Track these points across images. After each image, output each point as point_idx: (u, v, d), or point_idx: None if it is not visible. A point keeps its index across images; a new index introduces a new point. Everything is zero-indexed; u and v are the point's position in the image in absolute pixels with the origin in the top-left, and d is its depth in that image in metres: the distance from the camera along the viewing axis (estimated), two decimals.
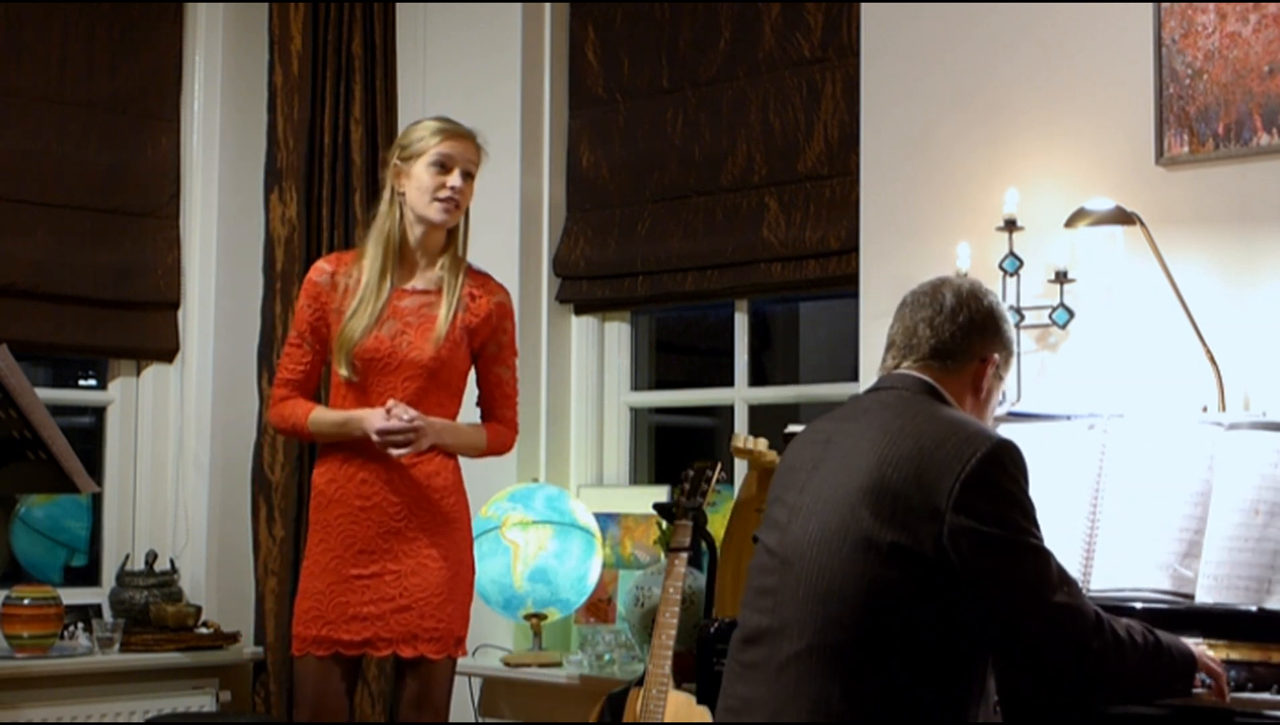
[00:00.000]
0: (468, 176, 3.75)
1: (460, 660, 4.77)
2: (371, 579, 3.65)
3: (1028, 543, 2.45)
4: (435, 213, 3.71)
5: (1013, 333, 2.75)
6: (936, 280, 2.73)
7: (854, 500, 2.46)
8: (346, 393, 3.72)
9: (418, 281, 3.76)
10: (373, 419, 3.61)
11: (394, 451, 3.60)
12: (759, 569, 2.61)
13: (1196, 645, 2.68)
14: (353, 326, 3.67)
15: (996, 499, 2.44)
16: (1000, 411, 3.50)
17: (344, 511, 3.68)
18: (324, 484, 3.73)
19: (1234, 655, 2.83)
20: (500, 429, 3.82)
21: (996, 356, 2.68)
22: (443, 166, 3.71)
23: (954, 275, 2.76)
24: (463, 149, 3.74)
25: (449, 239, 3.80)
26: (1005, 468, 2.46)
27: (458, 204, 3.73)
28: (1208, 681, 2.66)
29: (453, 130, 3.76)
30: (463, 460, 3.81)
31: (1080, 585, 3.03)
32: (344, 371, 3.69)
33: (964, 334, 2.65)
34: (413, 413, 3.61)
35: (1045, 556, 2.46)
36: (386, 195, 3.78)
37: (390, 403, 3.62)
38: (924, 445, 2.46)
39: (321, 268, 3.81)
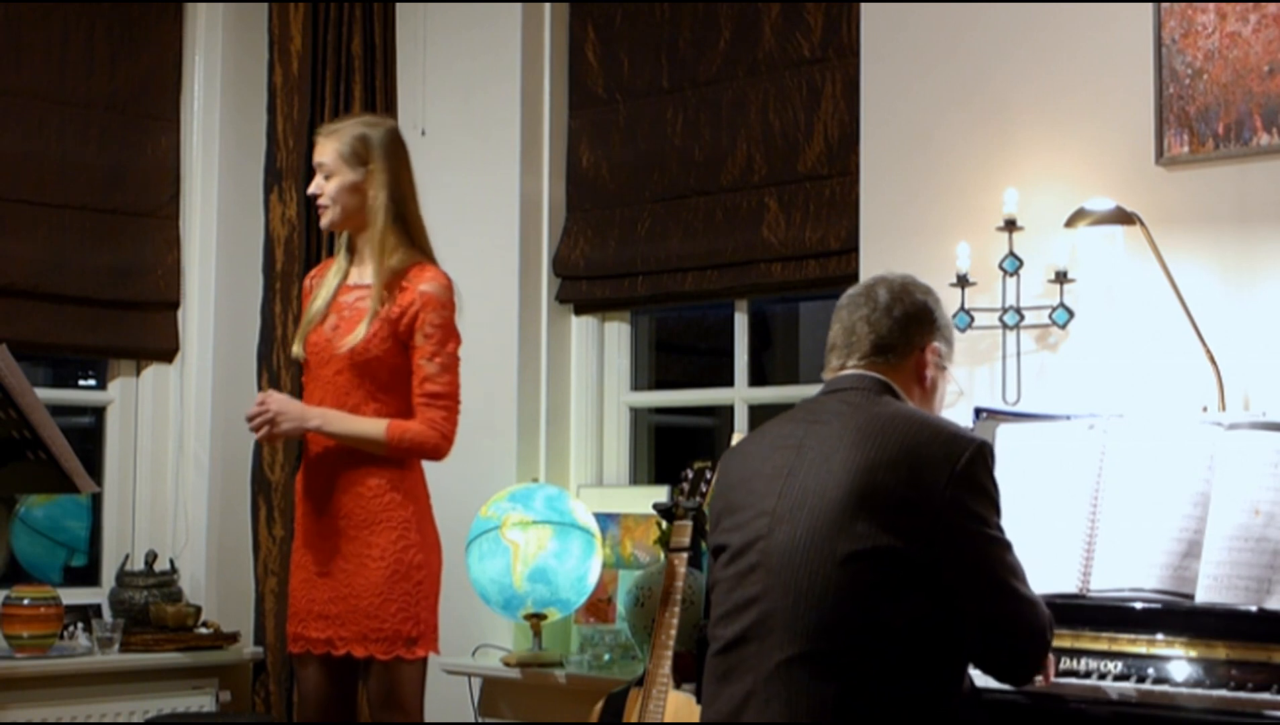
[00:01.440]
0: (328, 176, 3.74)
1: (460, 660, 4.80)
2: (328, 577, 3.69)
3: (1001, 538, 2.53)
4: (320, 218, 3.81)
5: (950, 322, 2.80)
6: (871, 279, 2.79)
7: (845, 505, 2.48)
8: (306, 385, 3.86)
9: (360, 276, 3.78)
10: None
11: (256, 435, 3.71)
12: (736, 579, 2.59)
13: None
14: (308, 317, 3.79)
15: (981, 498, 2.51)
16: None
17: (305, 510, 3.76)
18: (297, 484, 3.84)
19: (1234, 655, 2.84)
20: (410, 428, 3.67)
21: (937, 346, 2.73)
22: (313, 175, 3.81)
23: (888, 272, 2.79)
24: (317, 151, 3.78)
25: (387, 233, 3.76)
26: (989, 468, 2.53)
27: (322, 205, 3.76)
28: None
29: (316, 137, 3.84)
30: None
31: (1080, 585, 3.05)
32: (299, 357, 3.82)
33: (901, 327, 2.70)
34: (264, 395, 3.70)
35: (1012, 550, 2.55)
36: None
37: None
38: (910, 447, 2.49)
39: (310, 273, 3.96)
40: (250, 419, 3.67)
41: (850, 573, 2.45)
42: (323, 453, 3.71)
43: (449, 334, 3.72)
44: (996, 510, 2.53)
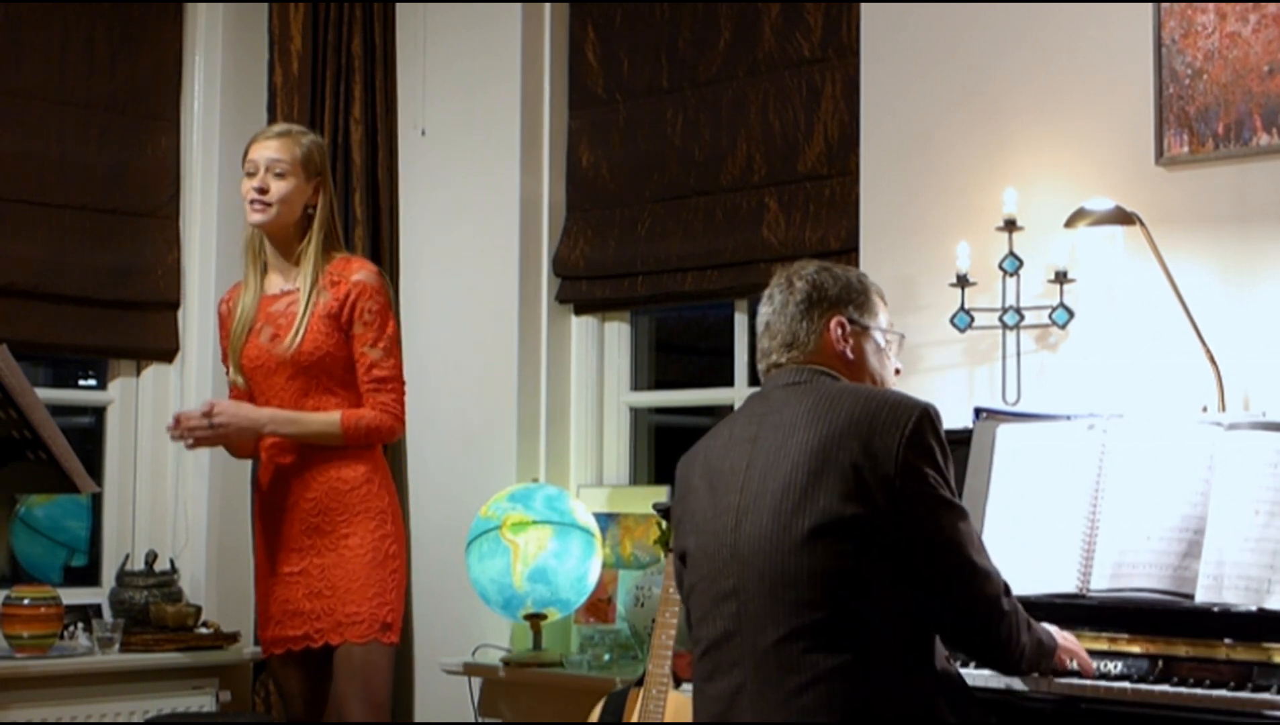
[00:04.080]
0: (279, 175, 3.75)
1: (460, 660, 4.80)
2: (301, 575, 3.73)
3: (954, 502, 2.56)
4: (249, 215, 3.78)
5: (856, 283, 2.78)
6: (779, 275, 2.81)
7: (804, 485, 2.52)
8: (242, 400, 3.86)
9: (284, 283, 3.81)
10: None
11: (184, 443, 3.77)
12: (712, 578, 2.62)
13: (1061, 635, 2.84)
14: (233, 337, 3.83)
15: (931, 460, 2.54)
16: (1002, 411, 3.51)
17: (270, 511, 3.79)
18: (257, 487, 3.86)
19: (1234, 655, 2.84)
20: (361, 415, 3.73)
21: (840, 319, 2.73)
22: (250, 173, 3.79)
23: (794, 265, 2.82)
24: (262, 149, 3.79)
25: (306, 237, 3.80)
26: (936, 429, 2.57)
27: (266, 203, 3.75)
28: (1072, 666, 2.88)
29: (257, 135, 3.85)
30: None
31: (1080, 585, 3.05)
32: (238, 380, 3.85)
33: (800, 318, 2.73)
34: (210, 404, 3.73)
35: (967, 517, 2.58)
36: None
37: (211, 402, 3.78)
38: (858, 418, 2.54)
39: (223, 298, 3.98)
40: (182, 424, 3.70)
41: (820, 548, 2.49)
42: (286, 452, 3.75)
43: (386, 318, 3.79)
44: (947, 471, 2.57)
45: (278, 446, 3.77)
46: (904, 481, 2.50)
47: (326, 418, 3.73)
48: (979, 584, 2.56)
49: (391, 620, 3.73)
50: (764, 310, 2.79)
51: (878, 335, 2.78)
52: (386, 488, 3.81)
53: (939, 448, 2.56)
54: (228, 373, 3.91)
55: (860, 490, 2.49)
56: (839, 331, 2.72)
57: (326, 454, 3.73)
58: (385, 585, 3.73)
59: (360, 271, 3.78)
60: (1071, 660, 2.88)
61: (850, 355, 2.73)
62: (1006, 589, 2.61)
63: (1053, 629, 2.81)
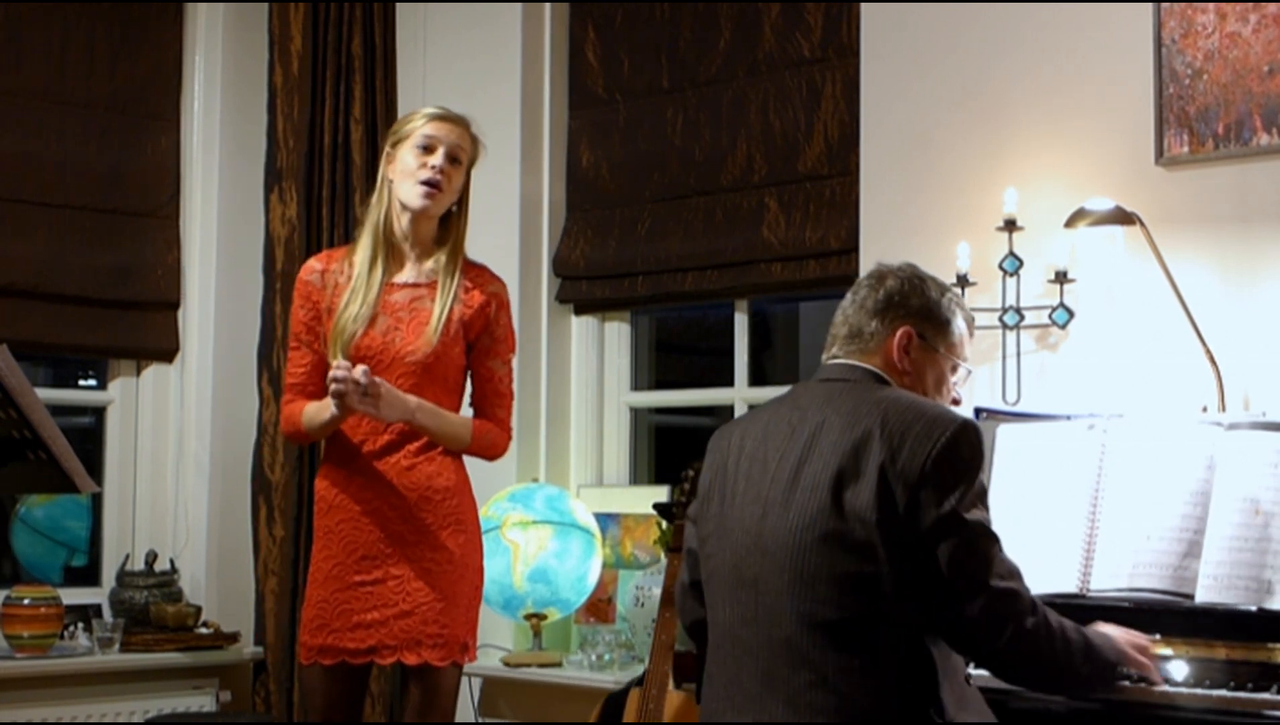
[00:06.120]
0: (455, 162, 3.61)
1: None
2: (375, 585, 3.53)
3: (975, 522, 2.50)
4: (415, 196, 3.56)
5: (944, 307, 2.72)
6: (876, 267, 2.78)
7: (832, 487, 2.50)
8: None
9: (408, 274, 3.62)
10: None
11: (338, 402, 3.42)
12: (733, 565, 2.61)
13: (1127, 635, 2.76)
14: (345, 320, 3.55)
15: (961, 476, 2.49)
16: (1000, 410, 3.51)
17: (345, 517, 3.56)
18: (325, 489, 3.62)
19: (1234, 655, 2.84)
20: (489, 427, 3.63)
21: (909, 329, 2.68)
22: (426, 149, 3.58)
23: (890, 262, 2.79)
24: (447, 131, 3.61)
25: (445, 231, 3.66)
26: (971, 446, 2.52)
27: (439, 186, 3.57)
28: (1131, 675, 2.79)
29: (441, 114, 3.64)
30: (468, 462, 3.73)
31: (1080, 585, 3.04)
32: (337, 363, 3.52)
33: (875, 314, 2.69)
34: (365, 370, 3.41)
35: (994, 540, 2.52)
36: (379, 184, 3.67)
37: (358, 367, 3.44)
38: (893, 428, 2.50)
39: (312, 267, 3.69)
40: (344, 382, 3.37)
41: (841, 551, 2.47)
42: (378, 457, 3.55)
43: (513, 335, 3.69)
44: (976, 489, 2.51)
45: (355, 448, 3.56)
46: (928, 495, 2.46)
47: (462, 420, 3.57)
48: (993, 608, 2.48)
49: (470, 640, 3.60)
50: (848, 297, 2.75)
51: (943, 362, 2.72)
52: (473, 500, 3.65)
53: (972, 464, 2.50)
54: (299, 349, 3.63)
55: (885, 497, 2.46)
56: (904, 341, 2.67)
57: (413, 460, 3.55)
58: (470, 603, 3.60)
59: (497, 283, 3.66)
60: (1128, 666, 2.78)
61: (908, 369, 2.68)
62: (1033, 607, 2.52)
63: (1112, 631, 2.72)
